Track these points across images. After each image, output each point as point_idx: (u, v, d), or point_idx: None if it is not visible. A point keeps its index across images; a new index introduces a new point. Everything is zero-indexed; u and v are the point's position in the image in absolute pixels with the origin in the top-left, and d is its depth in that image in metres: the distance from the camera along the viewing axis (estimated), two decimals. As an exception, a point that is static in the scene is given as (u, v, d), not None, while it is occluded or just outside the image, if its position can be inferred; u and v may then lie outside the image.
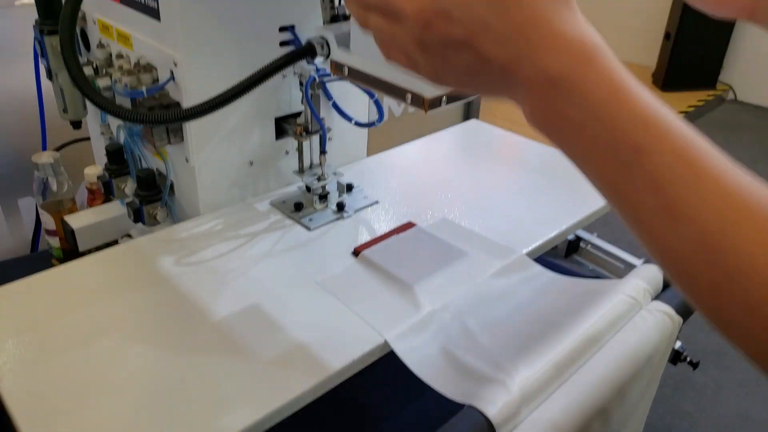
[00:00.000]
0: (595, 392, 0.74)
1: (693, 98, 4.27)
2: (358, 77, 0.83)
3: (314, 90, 1.02)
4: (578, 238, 1.30)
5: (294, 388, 0.72)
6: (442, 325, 0.83)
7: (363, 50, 0.81)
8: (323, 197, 1.10)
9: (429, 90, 0.74)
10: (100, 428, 0.67)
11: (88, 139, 1.38)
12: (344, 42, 0.85)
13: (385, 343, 0.80)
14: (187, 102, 0.95)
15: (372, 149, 1.32)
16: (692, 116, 4.08)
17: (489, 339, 0.81)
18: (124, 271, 0.93)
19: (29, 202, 1.47)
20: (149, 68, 0.99)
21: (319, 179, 1.05)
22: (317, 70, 1.01)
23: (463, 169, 1.29)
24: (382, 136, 1.39)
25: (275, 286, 0.90)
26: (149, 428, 0.67)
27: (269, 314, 0.84)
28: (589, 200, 1.16)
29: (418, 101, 0.76)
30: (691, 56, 4.26)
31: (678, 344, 1.14)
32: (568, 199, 1.17)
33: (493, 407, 0.69)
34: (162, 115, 0.81)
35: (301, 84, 1.03)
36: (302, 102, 1.02)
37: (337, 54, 0.85)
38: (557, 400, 0.73)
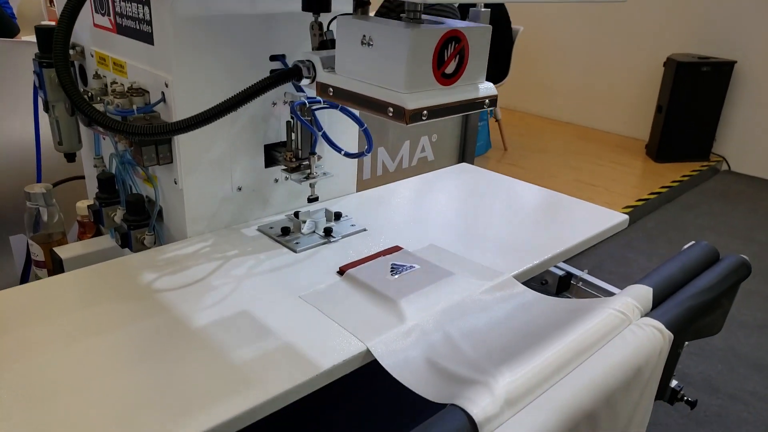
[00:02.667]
0: (581, 395, 0.72)
1: (687, 169, 4.33)
2: (342, 96, 0.86)
3: (305, 115, 1.04)
4: (569, 275, 1.29)
5: (271, 390, 0.70)
6: (425, 332, 0.82)
7: (348, 70, 0.85)
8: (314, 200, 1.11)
9: (409, 103, 0.76)
10: (78, 424, 0.65)
11: (83, 177, 1.40)
12: (329, 65, 0.89)
13: (367, 352, 0.78)
14: (177, 122, 0.97)
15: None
16: (687, 185, 4.12)
17: (472, 346, 0.80)
18: (108, 284, 0.92)
19: (21, 240, 1.47)
20: (141, 92, 1.02)
21: (307, 177, 1.05)
22: (308, 98, 1.04)
23: (451, 203, 1.30)
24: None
25: (257, 299, 0.89)
26: (126, 424, 0.65)
27: (250, 323, 0.83)
28: (576, 233, 1.16)
29: (400, 114, 0.78)
30: (683, 128, 4.35)
31: (674, 383, 1.12)
32: (554, 232, 1.17)
33: (476, 406, 0.66)
34: (149, 128, 0.83)
35: (293, 112, 1.05)
36: (291, 128, 1.04)
37: (323, 76, 0.89)
38: (542, 402, 0.70)
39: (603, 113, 5.11)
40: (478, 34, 0.82)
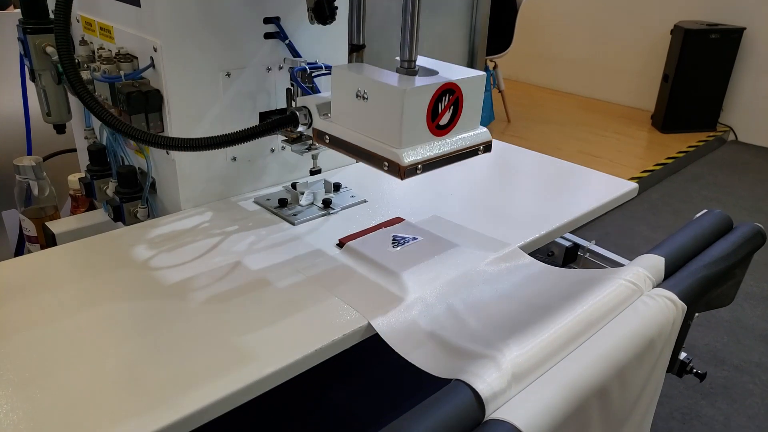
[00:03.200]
0: (592, 370, 0.68)
1: (693, 139, 4.27)
2: (338, 144, 0.85)
3: (306, 81, 0.99)
4: (576, 246, 1.25)
5: (270, 365, 0.67)
6: (428, 305, 0.79)
7: (343, 120, 0.84)
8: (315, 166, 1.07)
9: (405, 159, 0.76)
10: (72, 397, 0.62)
11: (75, 150, 1.36)
12: (325, 111, 0.87)
13: (368, 326, 0.75)
14: (167, 89, 0.93)
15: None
16: (693, 155, 4.07)
17: (477, 319, 0.76)
18: (100, 257, 0.88)
19: (13, 215, 1.44)
20: (129, 58, 0.97)
21: (309, 148, 1.01)
22: (308, 63, 0.99)
23: (454, 173, 1.25)
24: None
25: (254, 272, 0.85)
26: (124, 397, 0.62)
27: (247, 297, 0.79)
28: (583, 202, 1.12)
29: (395, 169, 0.78)
30: (690, 98, 4.28)
31: (683, 355, 1.08)
32: (560, 201, 1.13)
33: (482, 381, 0.63)
34: (144, 135, 0.81)
35: (293, 79, 1.00)
36: (291, 95, 1.00)
37: (319, 123, 0.88)
38: (551, 376, 0.67)
39: (608, 83, 5.02)
40: (472, 85, 0.81)
